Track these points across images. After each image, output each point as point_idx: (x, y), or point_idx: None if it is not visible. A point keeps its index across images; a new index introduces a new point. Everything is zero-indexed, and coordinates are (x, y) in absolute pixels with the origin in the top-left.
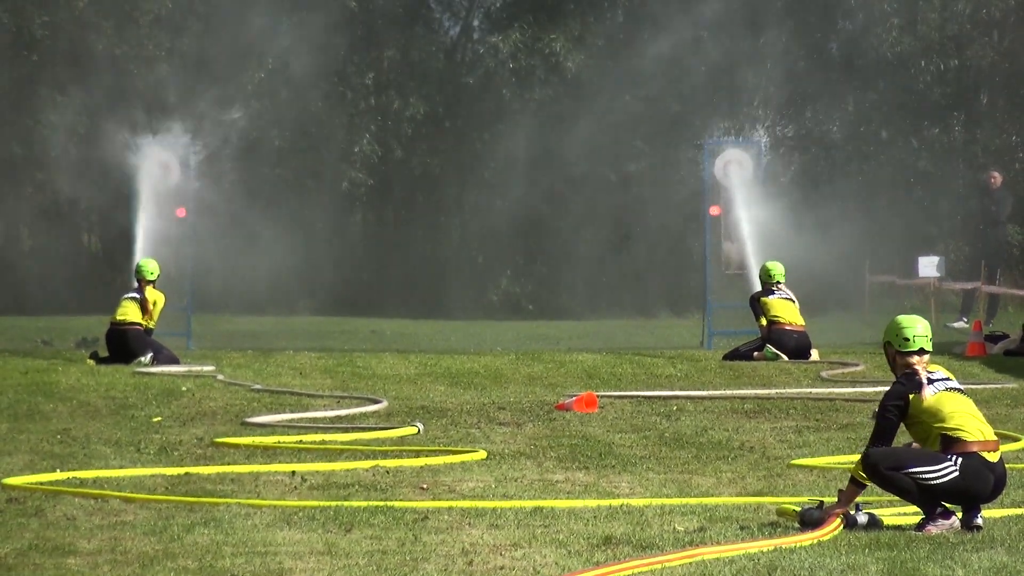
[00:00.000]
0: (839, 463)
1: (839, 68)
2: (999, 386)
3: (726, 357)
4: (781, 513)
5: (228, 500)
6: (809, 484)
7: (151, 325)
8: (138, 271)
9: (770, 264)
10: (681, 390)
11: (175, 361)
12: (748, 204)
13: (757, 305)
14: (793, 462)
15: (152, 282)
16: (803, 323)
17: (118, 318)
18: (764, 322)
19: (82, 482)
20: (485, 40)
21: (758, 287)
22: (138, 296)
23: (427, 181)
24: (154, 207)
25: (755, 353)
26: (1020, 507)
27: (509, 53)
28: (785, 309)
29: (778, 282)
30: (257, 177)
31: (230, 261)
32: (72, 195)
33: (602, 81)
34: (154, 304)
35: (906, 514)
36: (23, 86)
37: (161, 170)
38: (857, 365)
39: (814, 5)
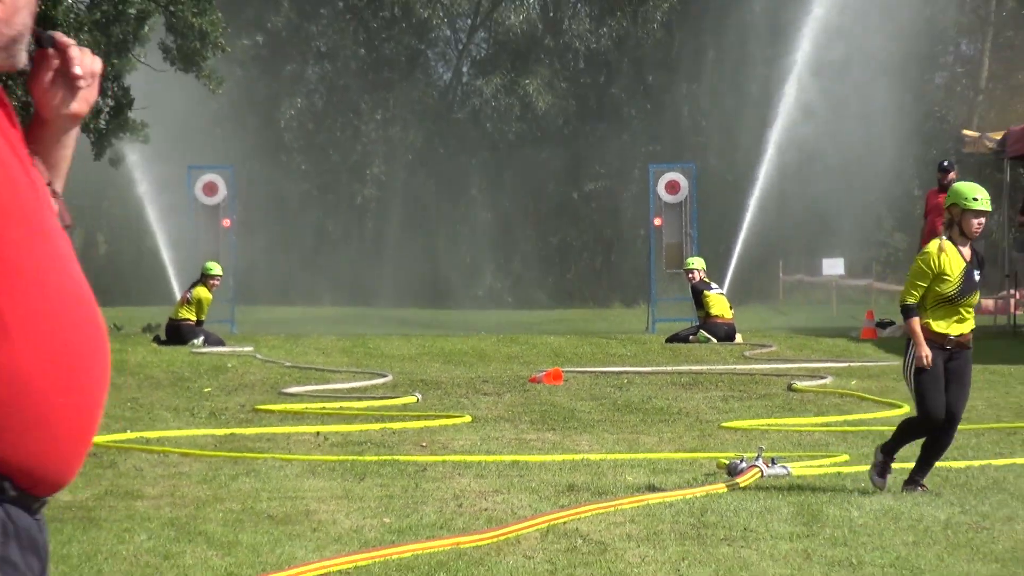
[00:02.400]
0: (759, 425)
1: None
2: (887, 363)
3: (668, 340)
4: (720, 466)
5: (265, 455)
6: (734, 442)
7: (202, 317)
8: (206, 270)
9: (694, 259)
10: (630, 366)
11: (221, 343)
12: (684, 217)
13: (700, 296)
14: (722, 424)
15: (214, 277)
16: (731, 315)
17: (174, 316)
18: (703, 313)
19: (147, 440)
20: (472, 84)
21: (711, 286)
22: (188, 295)
23: (425, 196)
24: (205, 219)
25: (691, 337)
26: (905, 462)
27: (491, 94)
28: (720, 305)
29: (715, 296)
30: (288, 193)
31: (266, 262)
32: (137, 210)
33: (566, 117)
34: (199, 301)
35: (811, 466)
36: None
37: (210, 190)
38: (772, 346)
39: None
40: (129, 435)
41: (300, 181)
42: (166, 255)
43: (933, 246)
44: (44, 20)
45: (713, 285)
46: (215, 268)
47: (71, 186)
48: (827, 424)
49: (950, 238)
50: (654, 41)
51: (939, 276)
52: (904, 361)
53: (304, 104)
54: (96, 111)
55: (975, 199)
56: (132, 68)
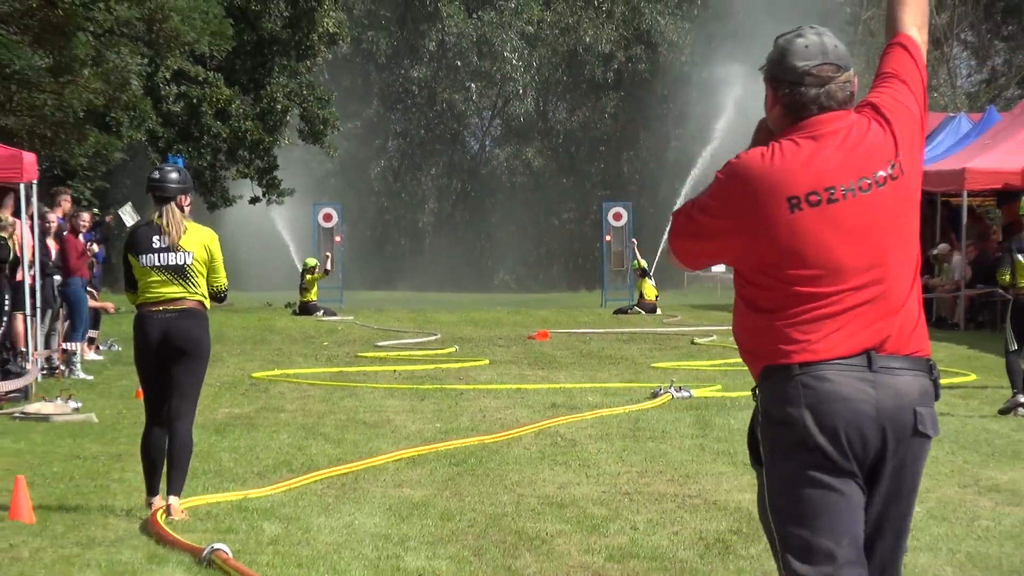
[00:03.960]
0: (672, 366)
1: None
2: None
3: (615, 312)
4: (654, 394)
5: (362, 384)
6: (657, 377)
7: (313, 298)
8: (306, 264)
9: (639, 261)
10: (591, 328)
11: (333, 314)
12: (624, 234)
13: (639, 282)
14: (650, 365)
15: (312, 268)
16: (655, 296)
17: (303, 299)
18: (638, 294)
19: (287, 375)
20: (492, 151)
21: (648, 275)
22: (304, 284)
23: (461, 222)
24: (324, 236)
25: (629, 310)
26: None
27: (504, 158)
28: (649, 291)
29: (644, 269)
30: (375, 220)
31: (362, 263)
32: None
33: (551, 172)
34: (311, 282)
35: (705, 392)
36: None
37: (327, 218)
38: (678, 316)
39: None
40: (276, 371)
41: (383, 213)
42: (295, 258)
43: None
44: (222, 115)
45: (648, 276)
46: (311, 261)
47: (247, 214)
48: (714, 365)
49: None
50: (605, 124)
51: None
52: None
53: (386, 164)
54: (259, 171)
55: None
56: (280, 144)
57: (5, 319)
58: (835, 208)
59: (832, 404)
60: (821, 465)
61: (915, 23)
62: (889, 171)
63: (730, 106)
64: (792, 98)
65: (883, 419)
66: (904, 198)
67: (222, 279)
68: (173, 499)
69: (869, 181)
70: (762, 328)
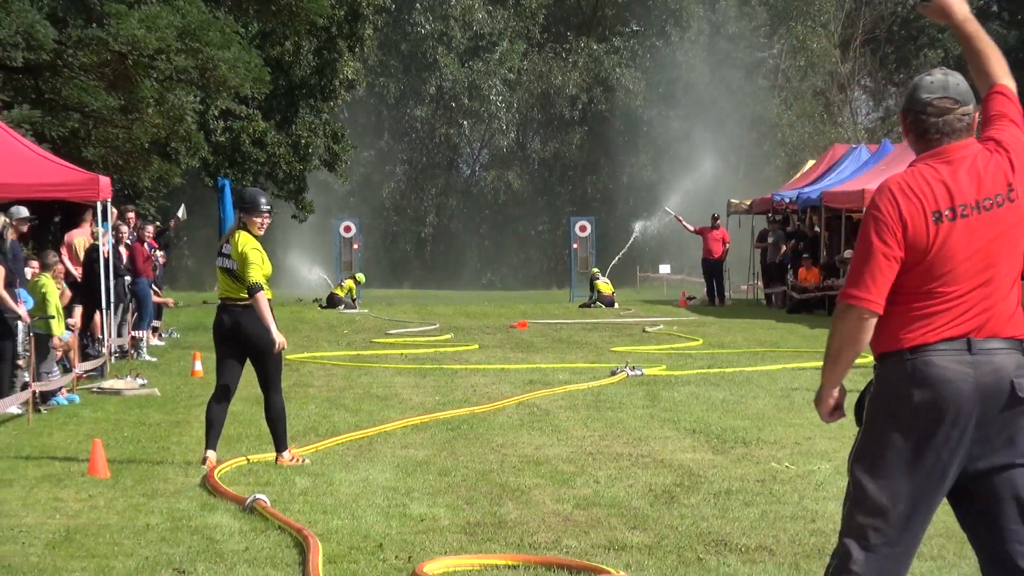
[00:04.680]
0: (627, 350)
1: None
2: (691, 318)
3: (580, 306)
4: (613, 373)
5: (374, 364)
6: (615, 359)
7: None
8: (358, 279)
9: (595, 269)
10: (561, 319)
11: (353, 307)
12: (589, 245)
13: (594, 283)
14: (610, 349)
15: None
16: (612, 292)
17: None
18: (597, 292)
19: (314, 357)
20: (481, 175)
21: (599, 277)
22: (342, 283)
23: (458, 232)
24: (343, 244)
25: (591, 305)
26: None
27: (490, 181)
28: (606, 288)
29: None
30: (387, 231)
31: (376, 266)
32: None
33: (529, 193)
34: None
35: (654, 371)
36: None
37: (347, 229)
38: (632, 310)
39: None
40: (305, 354)
41: (392, 225)
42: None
43: None
44: (259, 143)
45: (602, 277)
46: (361, 277)
47: (287, 227)
48: (660, 349)
49: None
50: (573, 153)
51: None
52: None
53: (395, 186)
54: (291, 192)
55: None
56: (308, 170)
57: (123, 319)
58: (964, 222)
59: (935, 384)
60: (909, 434)
61: (1005, 73)
62: (1007, 194)
63: (672, 139)
64: (916, 124)
65: (982, 395)
66: (1018, 217)
67: (250, 277)
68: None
69: (991, 201)
70: (883, 320)
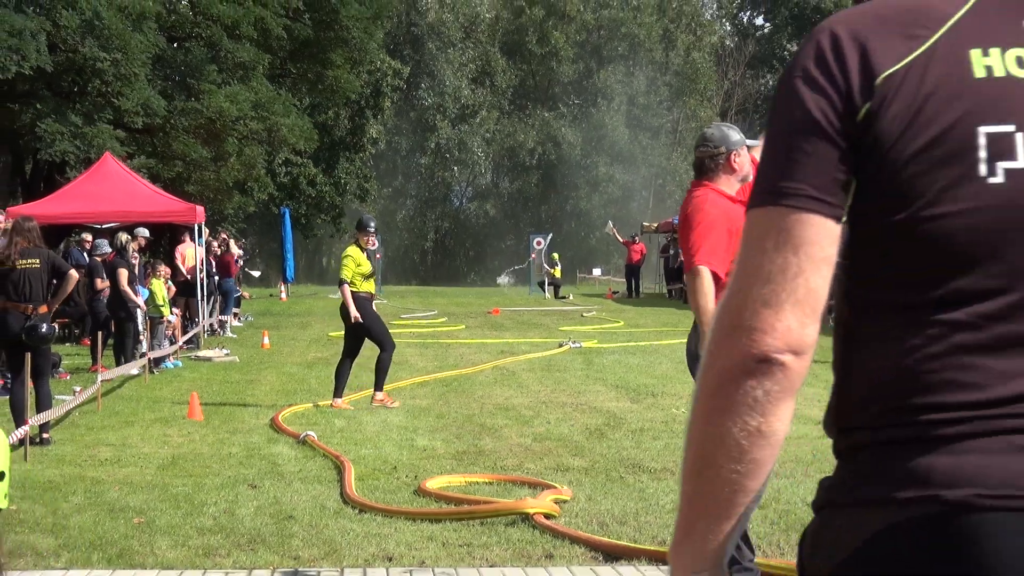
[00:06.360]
0: (571, 329)
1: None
2: (619, 307)
3: (558, 298)
4: (560, 345)
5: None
6: (562, 335)
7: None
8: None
9: (556, 255)
10: (523, 307)
11: (374, 299)
12: (545, 255)
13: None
14: (559, 328)
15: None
16: (560, 276)
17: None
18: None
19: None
20: (467, 206)
21: (557, 263)
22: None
23: (450, 247)
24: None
25: (558, 296)
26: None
27: (474, 210)
28: (557, 272)
29: (555, 268)
30: (399, 238)
31: (390, 266)
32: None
33: (503, 215)
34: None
35: (590, 344)
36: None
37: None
38: (569, 297)
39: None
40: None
41: (404, 240)
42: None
43: None
44: (312, 183)
45: (558, 264)
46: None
47: (331, 241)
48: (594, 328)
49: None
50: (532, 190)
51: None
52: None
53: (405, 213)
54: (332, 217)
55: None
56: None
57: (213, 306)
58: None
59: None
60: None
61: None
62: None
63: (601, 180)
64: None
65: None
66: None
67: (340, 275)
68: (378, 393)
69: None
70: None
